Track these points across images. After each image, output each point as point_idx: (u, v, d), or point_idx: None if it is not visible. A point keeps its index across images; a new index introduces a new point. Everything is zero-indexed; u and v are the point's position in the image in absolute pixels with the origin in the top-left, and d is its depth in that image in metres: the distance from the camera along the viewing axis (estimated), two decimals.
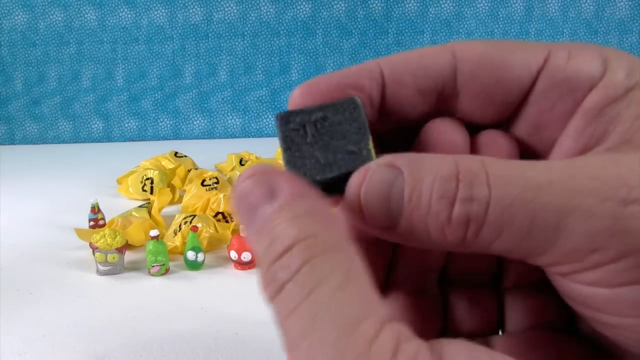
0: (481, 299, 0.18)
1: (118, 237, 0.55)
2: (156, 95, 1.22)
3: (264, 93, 1.22)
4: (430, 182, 0.14)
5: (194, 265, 0.55)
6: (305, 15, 1.19)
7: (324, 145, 0.17)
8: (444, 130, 0.17)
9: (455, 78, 0.17)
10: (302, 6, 1.18)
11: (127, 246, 0.57)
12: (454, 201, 0.14)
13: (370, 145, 0.16)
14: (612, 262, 0.13)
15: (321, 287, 0.12)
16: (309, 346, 0.12)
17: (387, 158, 0.15)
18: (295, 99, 0.18)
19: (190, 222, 0.60)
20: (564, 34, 1.21)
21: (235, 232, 0.61)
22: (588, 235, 0.13)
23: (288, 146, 0.17)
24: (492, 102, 0.17)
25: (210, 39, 1.19)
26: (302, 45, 1.20)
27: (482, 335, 0.18)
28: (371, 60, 0.17)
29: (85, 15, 1.17)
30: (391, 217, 0.15)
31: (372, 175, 0.15)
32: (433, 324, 0.18)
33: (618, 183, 0.14)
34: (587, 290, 0.14)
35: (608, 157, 0.15)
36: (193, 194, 0.71)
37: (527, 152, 0.18)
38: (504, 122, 0.18)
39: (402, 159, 0.15)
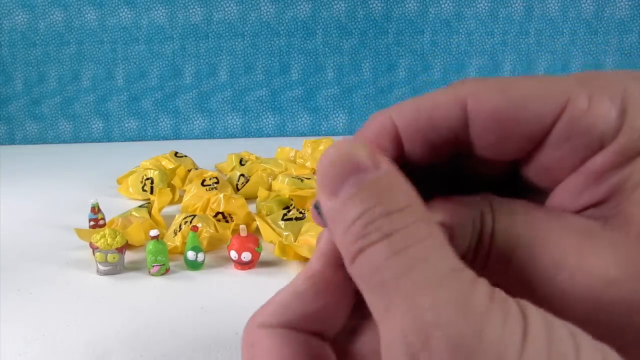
0: None
1: (118, 237, 0.55)
2: (156, 95, 1.22)
3: (264, 93, 1.22)
4: None
5: (194, 265, 0.55)
6: (305, 15, 1.19)
7: None
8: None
9: (467, 132, 0.17)
10: (302, 6, 1.18)
11: (127, 246, 0.57)
12: None
13: None
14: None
15: (425, 241, 0.14)
16: (411, 283, 0.13)
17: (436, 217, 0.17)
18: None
19: (190, 222, 0.60)
20: (564, 34, 1.21)
21: (235, 232, 0.61)
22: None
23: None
24: (504, 152, 0.17)
25: (210, 39, 1.19)
26: (302, 45, 1.20)
27: None
28: (383, 115, 0.18)
29: (85, 15, 1.17)
30: None
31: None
32: None
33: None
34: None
35: (584, 238, 0.16)
36: (193, 194, 0.71)
37: (533, 186, 0.18)
38: (516, 162, 0.18)
39: (448, 217, 0.17)
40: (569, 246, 0.16)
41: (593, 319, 0.15)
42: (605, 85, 0.16)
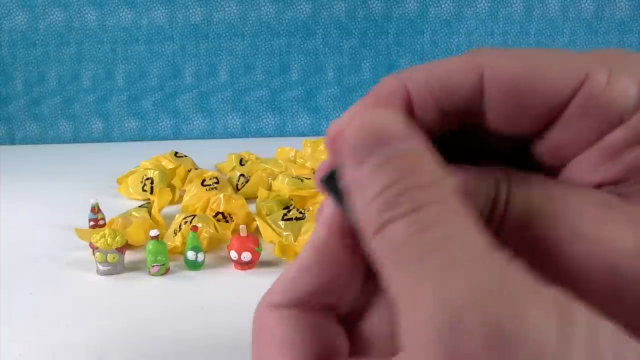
0: None
1: (118, 237, 0.55)
2: (156, 95, 1.22)
3: (264, 93, 1.22)
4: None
5: (194, 265, 0.55)
6: (305, 15, 1.19)
7: None
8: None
9: (482, 100, 0.16)
10: (302, 6, 1.18)
11: (127, 246, 0.57)
12: None
13: None
14: None
15: (456, 218, 0.13)
16: (441, 262, 0.12)
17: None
18: (329, 140, 0.17)
19: (190, 222, 0.60)
20: (564, 34, 1.21)
21: (235, 232, 0.61)
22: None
23: (342, 205, 0.16)
24: (518, 125, 0.16)
25: (210, 39, 1.19)
26: (302, 45, 1.20)
27: None
28: (395, 78, 0.17)
29: (85, 15, 1.17)
30: None
31: None
32: None
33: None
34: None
35: (602, 212, 0.15)
36: (193, 194, 0.71)
37: (542, 165, 0.17)
38: (528, 137, 0.17)
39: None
40: (587, 217, 0.15)
41: (611, 292, 0.14)
42: (625, 63, 0.16)
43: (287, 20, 1.19)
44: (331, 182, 0.16)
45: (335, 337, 0.17)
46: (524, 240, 0.15)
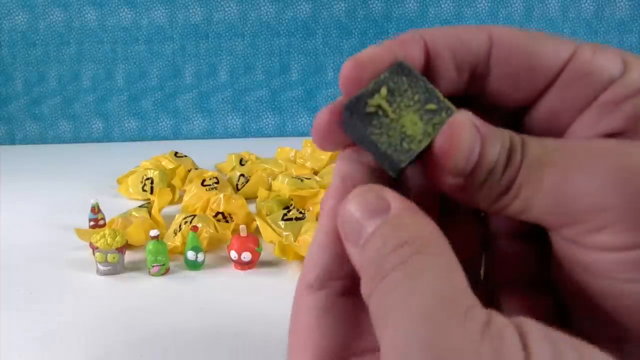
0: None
1: (118, 237, 0.55)
2: (156, 95, 1.22)
3: (264, 93, 1.22)
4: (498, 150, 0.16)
5: (194, 265, 0.55)
6: (305, 15, 1.19)
7: (407, 114, 0.17)
8: None
9: (489, 58, 0.18)
10: (302, 6, 1.18)
11: (127, 246, 0.57)
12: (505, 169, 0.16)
13: (442, 96, 0.17)
14: (616, 224, 0.15)
15: (425, 272, 0.14)
16: (408, 311, 0.13)
17: (470, 118, 0.17)
18: (349, 71, 0.18)
19: (190, 222, 0.60)
20: (564, 34, 1.21)
21: (235, 232, 0.61)
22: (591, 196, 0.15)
23: (373, 128, 0.17)
24: (520, 86, 0.18)
25: (210, 39, 1.19)
26: (302, 45, 1.20)
27: None
28: (412, 32, 0.18)
29: (85, 15, 1.17)
30: (465, 170, 0.17)
31: (462, 134, 0.17)
32: None
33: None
34: (593, 255, 0.16)
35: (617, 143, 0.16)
36: (193, 194, 0.71)
37: (541, 135, 0.18)
38: (527, 105, 0.19)
39: (481, 125, 0.17)
40: (601, 145, 0.16)
41: (632, 205, 0.15)
42: (605, 47, 0.18)
43: (287, 20, 1.19)
44: (353, 106, 0.18)
45: (365, 321, 0.18)
46: (545, 180, 0.16)
